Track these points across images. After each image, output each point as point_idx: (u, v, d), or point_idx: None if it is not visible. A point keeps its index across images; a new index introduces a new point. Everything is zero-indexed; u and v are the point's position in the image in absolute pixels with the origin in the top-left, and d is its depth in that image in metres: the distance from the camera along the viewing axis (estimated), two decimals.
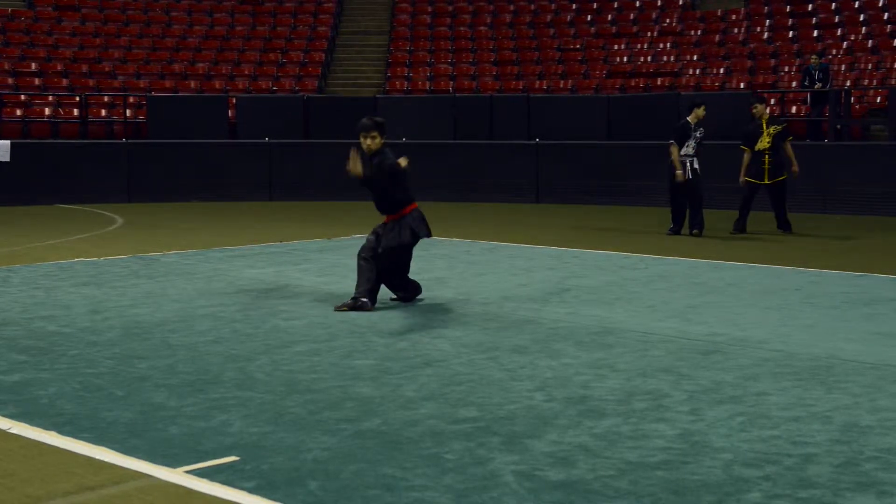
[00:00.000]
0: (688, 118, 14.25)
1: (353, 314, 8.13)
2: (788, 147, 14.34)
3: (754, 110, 14.38)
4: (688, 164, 14.08)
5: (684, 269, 10.73)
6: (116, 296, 8.95)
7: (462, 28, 26.67)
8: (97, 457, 4.66)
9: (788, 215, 14.47)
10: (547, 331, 7.46)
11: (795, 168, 14.32)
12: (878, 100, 20.23)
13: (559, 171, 20.03)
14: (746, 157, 14.32)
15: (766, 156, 14.19)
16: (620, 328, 7.55)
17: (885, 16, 22.81)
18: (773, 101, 21.12)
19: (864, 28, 22.72)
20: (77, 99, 22.33)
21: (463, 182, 20.46)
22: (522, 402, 5.57)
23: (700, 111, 14.20)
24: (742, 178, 14.33)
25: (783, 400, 5.60)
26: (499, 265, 10.99)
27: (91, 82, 23.44)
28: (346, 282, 9.77)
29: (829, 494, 4.18)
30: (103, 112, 22.66)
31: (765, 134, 14.21)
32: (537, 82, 23.84)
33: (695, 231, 14.03)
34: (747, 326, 7.62)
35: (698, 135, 14.09)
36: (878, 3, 23.21)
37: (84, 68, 24.01)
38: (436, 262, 11.26)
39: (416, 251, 12.12)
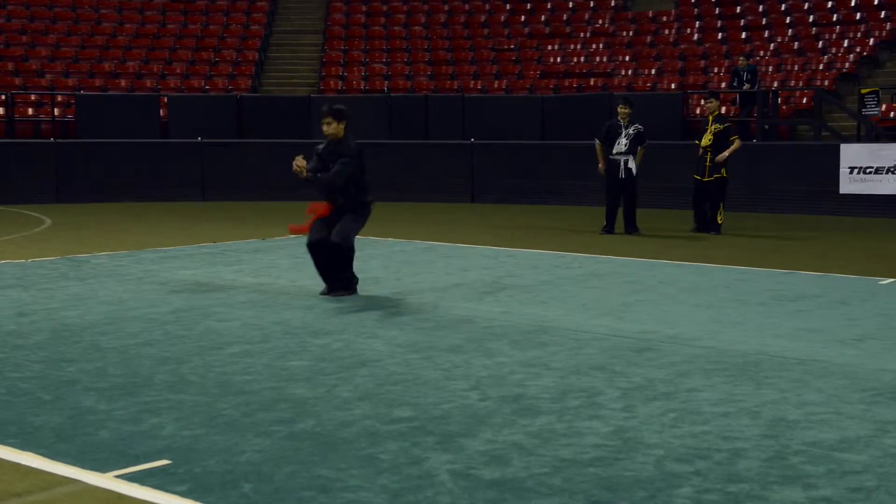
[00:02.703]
0: (618, 117, 14.44)
1: (287, 314, 8.08)
2: (733, 144, 14.33)
3: (708, 104, 14.51)
4: (621, 164, 14.23)
5: (616, 267, 10.85)
6: (44, 298, 8.78)
7: (396, 28, 26.65)
8: (24, 462, 4.56)
9: (721, 217, 14.39)
10: (482, 330, 7.49)
11: (720, 157, 14.26)
12: (805, 101, 20.68)
13: (494, 171, 20.13)
14: (700, 152, 14.50)
15: (709, 153, 14.35)
16: (554, 327, 7.61)
17: (811, 18, 23.34)
18: (702, 102, 21.45)
19: (790, 30, 23.21)
20: (3, 98, 21.82)
21: (398, 182, 20.43)
22: (457, 401, 5.59)
23: (619, 108, 14.36)
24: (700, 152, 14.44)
25: (713, 396, 5.70)
26: (434, 265, 11.01)
27: (17, 80, 22.95)
28: (281, 282, 9.70)
29: (758, 488, 4.27)
30: (30, 111, 22.20)
31: (708, 131, 14.38)
32: (472, 82, 23.93)
33: (632, 233, 14.17)
34: (678, 324, 7.74)
35: (632, 131, 14.21)
36: (803, 6, 23.73)
37: (10, 66, 23.50)
38: (371, 262, 11.23)
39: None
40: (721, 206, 14.38)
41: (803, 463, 4.57)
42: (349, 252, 8.90)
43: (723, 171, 14.31)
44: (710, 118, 14.44)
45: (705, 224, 14.40)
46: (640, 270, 10.61)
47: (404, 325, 7.70)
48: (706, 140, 14.32)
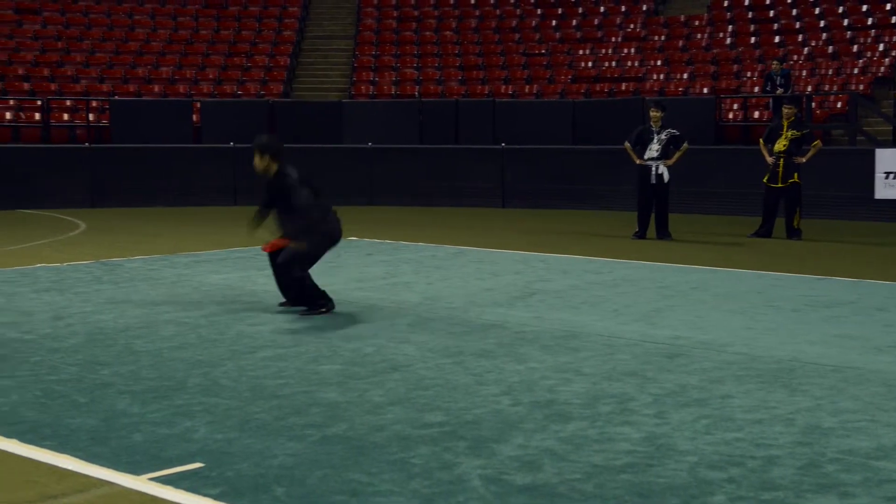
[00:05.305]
0: (650, 122, 14.39)
1: (318, 319, 8.11)
2: (811, 150, 14.26)
3: (787, 109, 14.44)
4: (653, 170, 14.17)
5: (648, 272, 10.80)
6: (79, 302, 8.86)
7: (428, 33, 26.69)
8: (60, 465, 4.61)
9: (797, 221, 14.27)
10: (513, 335, 7.48)
11: (800, 159, 14.22)
12: (839, 105, 20.49)
13: (525, 176, 20.11)
14: (763, 150, 14.48)
15: (782, 159, 14.24)
16: (586, 332, 7.58)
17: (845, 22, 23.12)
18: (735, 106, 21.36)
19: (824, 34, 23.01)
20: (39, 103, 22.09)
21: (428, 186, 20.48)
22: (489, 406, 5.58)
23: (651, 112, 14.33)
24: (768, 157, 14.37)
25: (747, 402, 5.65)
26: (465, 269, 11.01)
27: (53, 86, 23.21)
28: None
29: (792, 496, 4.23)
30: (66, 116, 22.44)
31: (783, 136, 14.27)
32: (503, 87, 23.91)
33: (664, 238, 14.10)
34: (711, 330, 7.69)
35: (664, 136, 14.15)
36: (837, 10, 23.52)
37: (46, 72, 23.77)
38: (402, 266, 11.26)
39: (383, 255, 12.15)
40: (798, 211, 14.28)
41: (839, 471, 4.53)
42: (295, 277, 8.30)
43: (796, 175, 14.21)
44: (786, 124, 14.32)
45: (767, 231, 14.33)
46: (672, 276, 10.56)
47: (435, 329, 7.70)
48: (781, 145, 14.21)
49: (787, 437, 5.00)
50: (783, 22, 23.84)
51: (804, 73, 21.67)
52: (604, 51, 24.62)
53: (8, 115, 22.09)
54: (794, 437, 5.00)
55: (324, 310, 8.32)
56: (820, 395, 5.83)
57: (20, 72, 23.55)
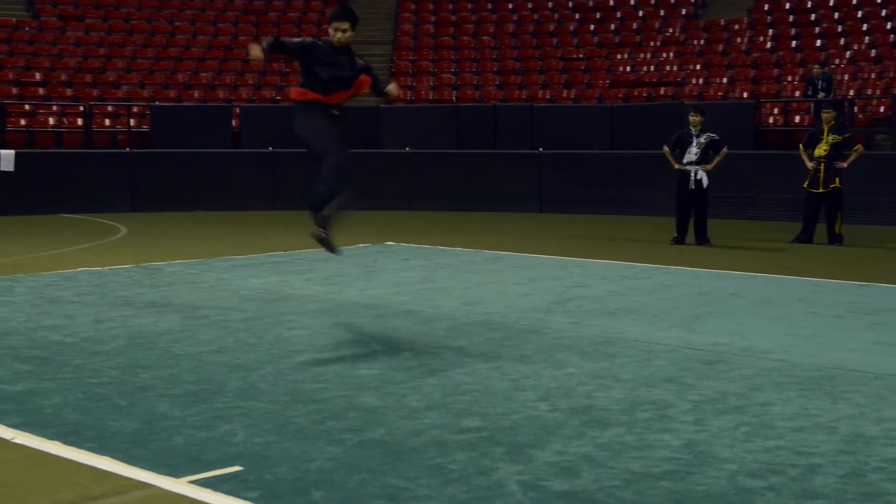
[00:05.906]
0: (689, 126, 14.30)
1: (357, 322, 8.13)
2: (853, 155, 14.10)
3: (826, 114, 14.28)
4: (691, 175, 14.07)
5: (687, 278, 10.72)
6: (120, 305, 8.96)
7: (465, 37, 26.72)
8: (101, 466, 4.65)
9: (839, 227, 14.09)
10: (550, 340, 7.46)
11: (841, 164, 14.06)
12: (882, 109, 20.23)
13: (562, 181, 20.06)
14: (803, 155, 14.33)
15: (823, 164, 14.08)
16: (624, 338, 7.54)
17: (888, 25, 22.83)
18: (776, 111, 21.16)
19: (866, 38, 22.74)
20: (81, 108, 22.38)
21: (466, 191, 20.50)
22: (526, 411, 5.56)
23: (690, 117, 14.23)
24: (808, 163, 14.23)
25: (787, 410, 5.59)
26: (502, 274, 10.99)
27: (95, 92, 23.50)
28: (350, 291, 9.77)
29: None
30: (107, 121, 22.71)
31: (824, 141, 14.11)
32: (540, 91, 23.87)
33: (703, 244, 14.00)
34: (751, 336, 7.61)
35: (703, 140, 14.05)
36: (880, 13, 23.23)
37: (88, 78, 24.07)
38: (439, 271, 11.26)
39: (421, 260, 12.17)
40: (840, 216, 14.09)
41: (882, 480, 4.46)
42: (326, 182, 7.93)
43: (837, 180, 14.04)
44: (826, 128, 14.15)
45: (808, 237, 14.18)
46: (711, 282, 10.47)
47: (473, 334, 7.70)
48: (821, 150, 14.05)
49: (829, 446, 4.94)
50: (825, 25, 23.60)
51: (846, 76, 21.42)
52: (642, 55, 24.50)
53: (51, 121, 22.40)
54: (836, 446, 4.94)
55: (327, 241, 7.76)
56: (863, 402, 5.75)
57: (63, 78, 23.87)
